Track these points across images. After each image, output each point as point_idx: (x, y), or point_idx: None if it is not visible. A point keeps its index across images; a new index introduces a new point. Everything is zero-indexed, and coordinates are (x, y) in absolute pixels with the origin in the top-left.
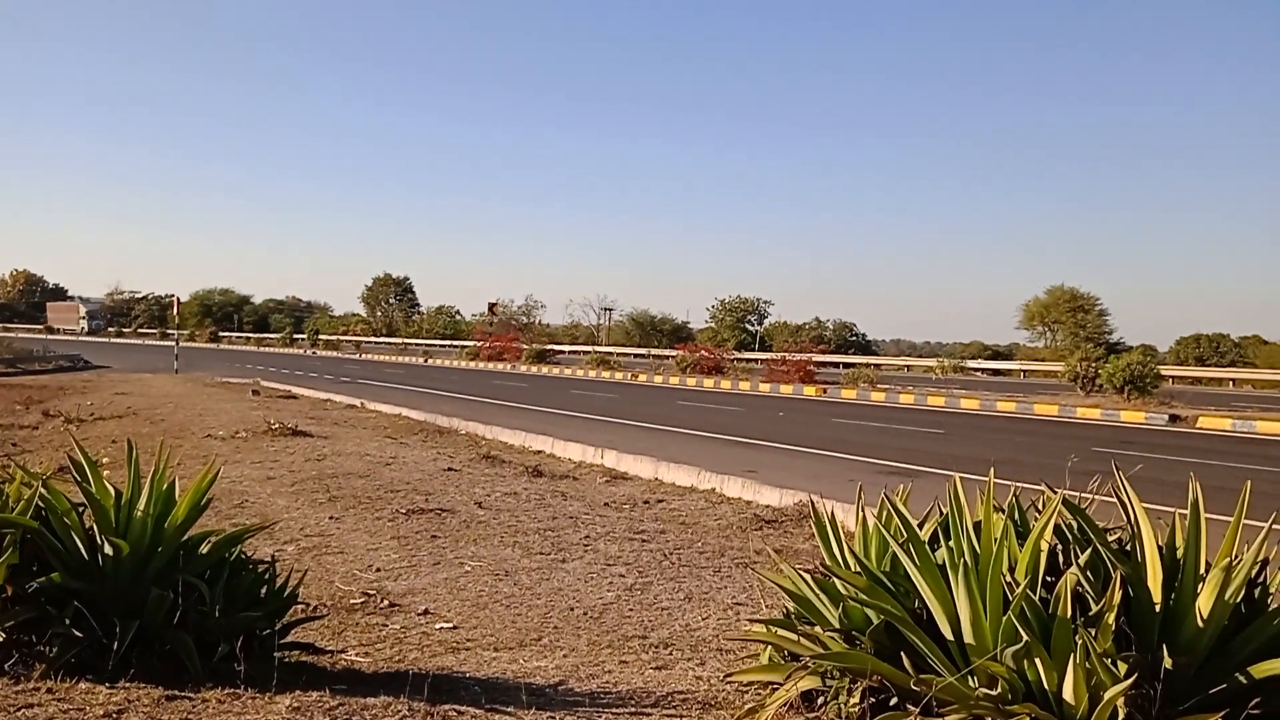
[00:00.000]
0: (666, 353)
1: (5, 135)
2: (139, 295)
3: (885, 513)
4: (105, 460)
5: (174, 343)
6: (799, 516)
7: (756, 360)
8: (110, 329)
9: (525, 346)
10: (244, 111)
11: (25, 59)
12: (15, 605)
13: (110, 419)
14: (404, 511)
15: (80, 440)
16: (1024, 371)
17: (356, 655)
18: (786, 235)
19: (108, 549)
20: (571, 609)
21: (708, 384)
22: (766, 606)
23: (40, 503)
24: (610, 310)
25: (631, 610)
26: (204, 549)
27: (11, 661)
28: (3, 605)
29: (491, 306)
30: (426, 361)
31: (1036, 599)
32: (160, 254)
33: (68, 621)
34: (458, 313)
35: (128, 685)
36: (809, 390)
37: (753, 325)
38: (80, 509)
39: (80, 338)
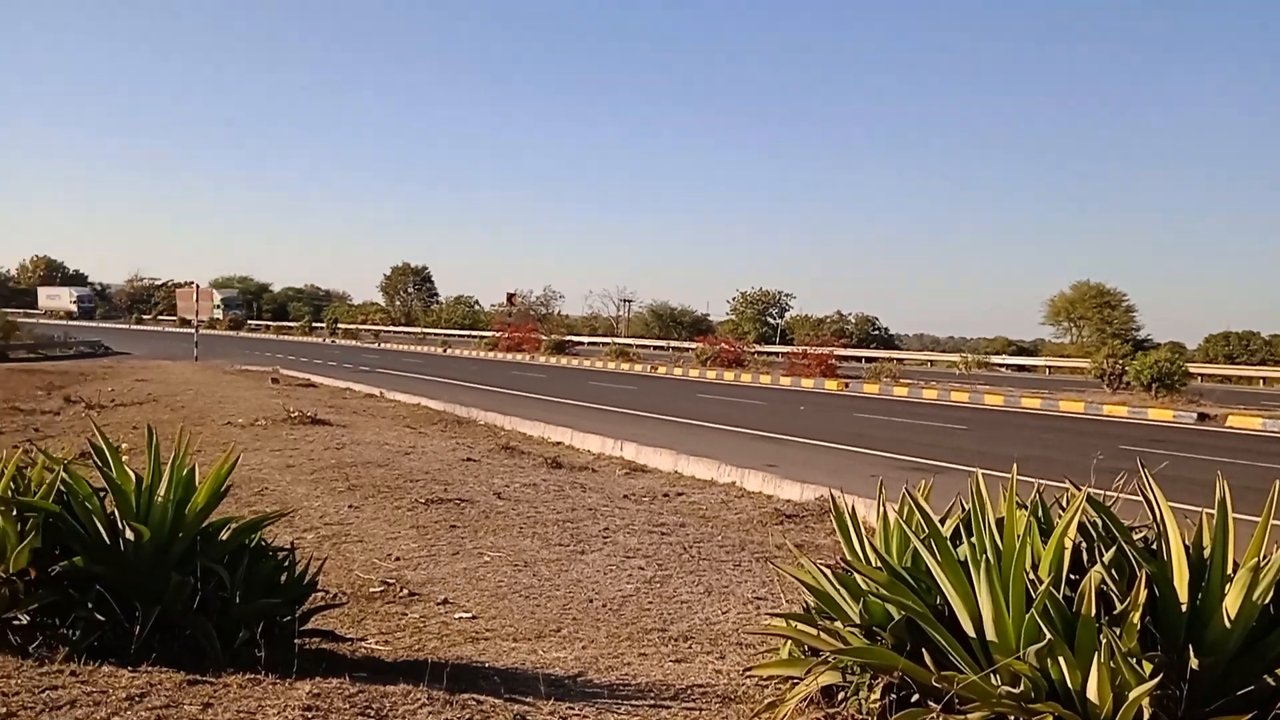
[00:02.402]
0: (686, 345)
1: (27, 121)
2: (159, 282)
3: (907, 508)
4: (125, 446)
5: (194, 330)
6: (820, 511)
7: (778, 354)
8: (99, 313)
9: (544, 337)
10: (265, 99)
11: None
12: (39, 589)
13: (131, 405)
14: (423, 501)
15: (101, 426)
16: (1049, 368)
17: (376, 643)
18: (809, 227)
19: (129, 534)
20: (590, 601)
21: (728, 377)
22: (786, 601)
23: (62, 487)
24: (630, 302)
25: (651, 603)
26: (224, 535)
27: (36, 644)
28: (27, 588)
29: (510, 297)
30: (445, 351)
31: (1060, 597)
32: (180, 241)
33: (90, 605)
34: (476, 303)
35: (149, 669)
36: (830, 384)
37: (774, 318)
38: (102, 494)
39: (77, 321)
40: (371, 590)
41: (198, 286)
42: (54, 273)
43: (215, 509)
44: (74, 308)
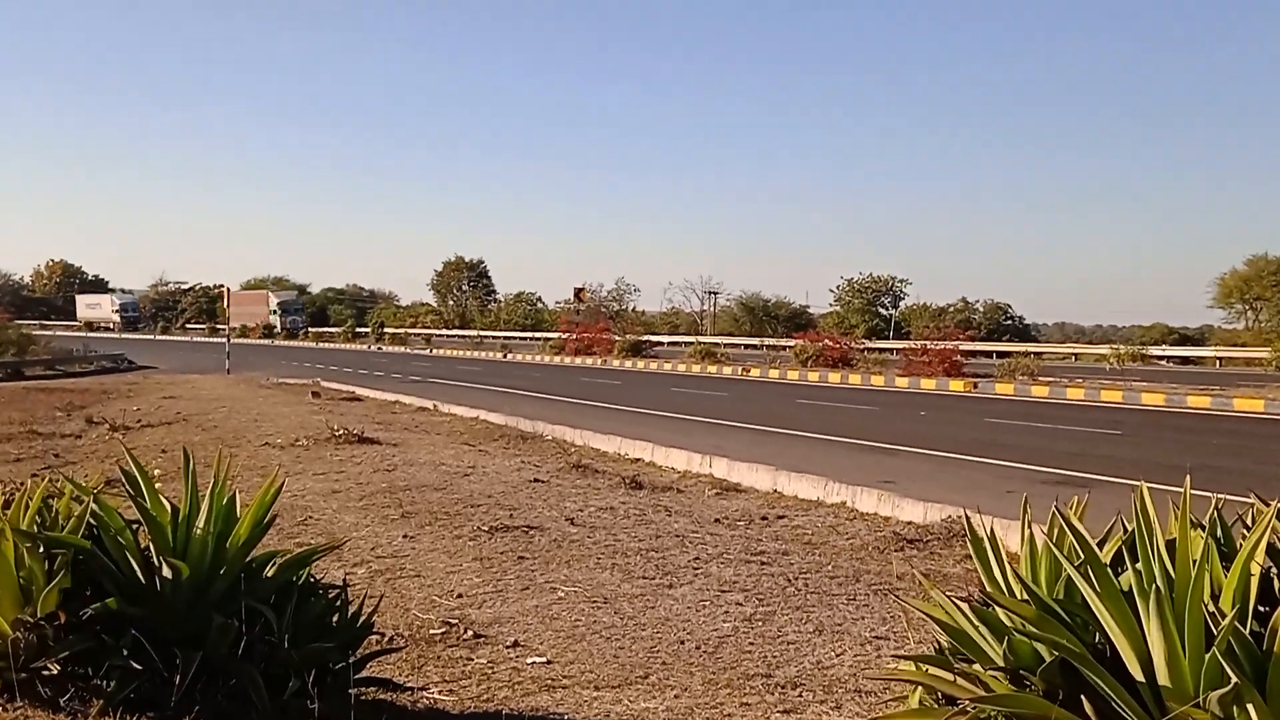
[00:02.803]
0: (783, 342)
1: (37, 120)
2: (185, 286)
3: (1056, 529)
4: (156, 472)
5: (225, 339)
6: (947, 535)
7: (891, 350)
8: (151, 324)
9: (617, 338)
10: (289, 76)
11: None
12: (69, 634)
13: (158, 426)
14: (486, 529)
15: (129, 449)
16: (1219, 359)
17: (440, 693)
18: (925, 203)
19: (166, 571)
20: (682, 642)
21: (833, 379)
22: (913, 641)
23: (92, 520)
24: (716, 294)
25: (752, 644)
26: (269, 572)
27: (67, 696)
28: (56, 634)
29: (578, 292)
30: (505, 356)
31: (1247, 633)
32: (207, 240)
33: (125, 652)
34: (539, 300)
35: None
36: (955, 385)
37: (886, 308)
38: (135, 526)
39: (117, 334)
40: (432, 632)
41: (260, 288)
42: (71, 278)
43: (259, 542)
44: (116, 317)
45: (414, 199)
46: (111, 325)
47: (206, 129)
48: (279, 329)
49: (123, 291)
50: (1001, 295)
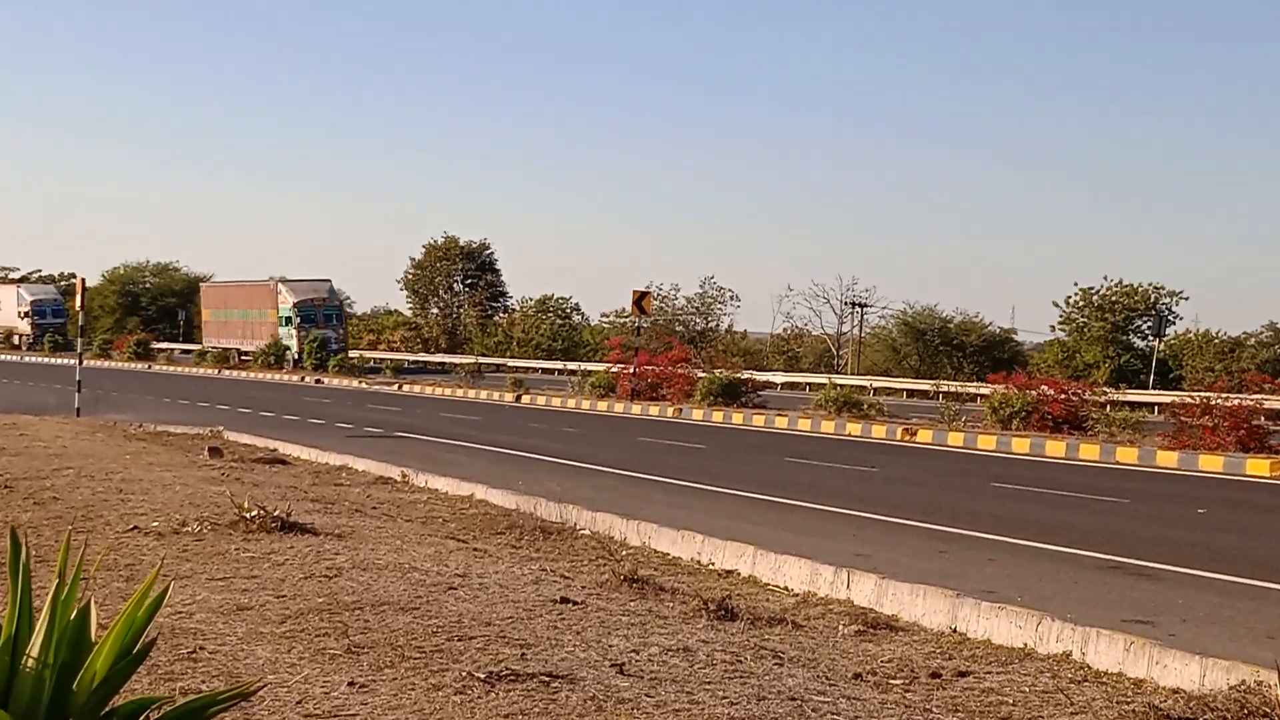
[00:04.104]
0: (971, 388)
1: None
2: (13, 275)
3: None
4: None
5: (75, 359)
6: (1239, 712)
7: (1151, 406)
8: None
9: (701, 374)
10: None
11: None
12: None
13: None
14: (482, 677)
15: None
16: None
17: None
18: (1202, 188)
19: None
20: None
21: (1053, 449)
22: None
23: None
24: (864, 306)
25: None
26: None
27: None
28: None
29: (640, 300)
30: (520, 399)
31: None
32: (57, 215)
33: None
34: (575, 310)
35: None
36: (1255, 464)
37: (1145, 338)
38: None
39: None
40: None
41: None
42: None
43: (124, 684)
44: (27, 325)
45: (378, 157)
46: (17, 338)
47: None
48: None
49: (36, 282)
50: None
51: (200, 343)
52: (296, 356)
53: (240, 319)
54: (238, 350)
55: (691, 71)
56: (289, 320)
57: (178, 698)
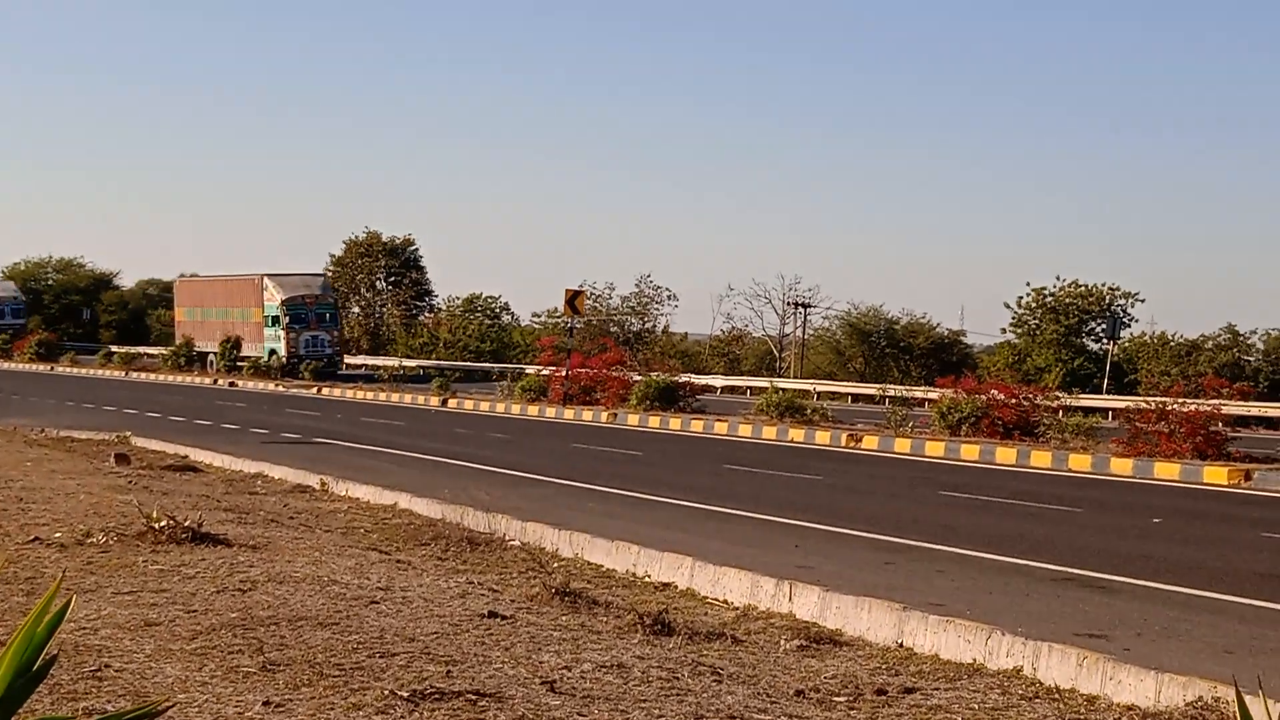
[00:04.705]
0: (917, 392)
1: None
2: None
3: None
4: None
5: None
6: None
7: (1105, 411)
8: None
9: (638, 376)
10: None
11: None
12: None
13: None
14: (406, 695)
15: None
16: None
17: None
18: (1161, 179)
19: None
20: None
21: (1003, 456)
22: None
23: None
24: (807, 306)
25: None
26: None
27: None
28: None
29: (573, 299)
30: (446, 403)
31: None
32: None
33: None
34: (504, 309)
35: None
36: (1212, 472)
37: (1099, 340)
38: None
39: None
40: None
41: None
42: None
43: (22, 704)
44: None
45: (298, 149)
46: None
47: None
48: None
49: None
50: None
51: (170, 343)
52: (285, 362)
53: (219, 319)
54: (215, 355)
55: (625, 63)
56: (275, 320)
57: (80, 718)
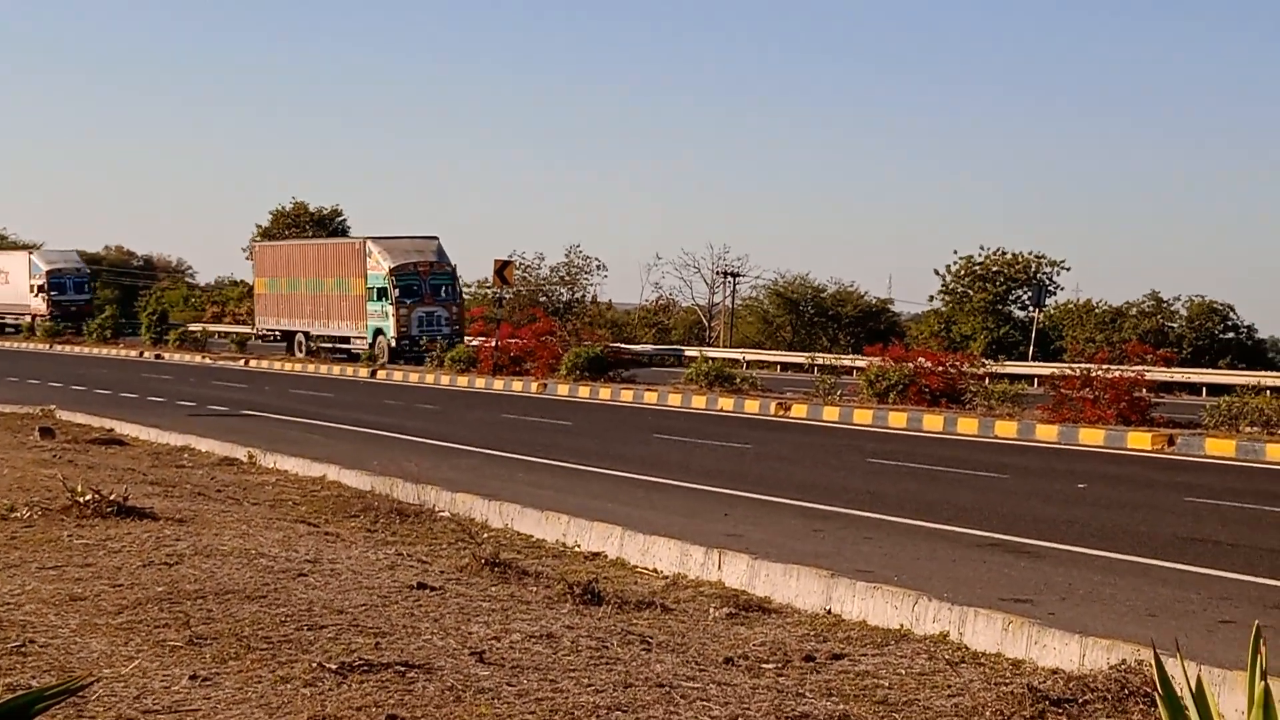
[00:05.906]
0: (845, 360)
1: None
2: None
3: None
4: None
5: None
6: (1119, 691)
7: (1031, 378)
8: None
9: (568, 345)
10: None
11: None
12: None
13: None
14: (334, 668)
15: None
16: None
17: None
18: (1086, 149)
19: None
20: None
21: (930, 423)
22: None
23: None
24: (736, 276)
25: None
26: None
27: None
28: None
29: (502, 269)
30: (376, 375)
31: None
32: None
33: None
34: None
35: None
36: (1137, 438)
37: (1025, 308)
38: None
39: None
40: None
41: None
42: None
43: None
44: (41, 300)
45: (218, 118)
46: (24, 320)
47: None
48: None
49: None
50: (1218, 292)
51: (250, 324)
52: (394, 345)
53: (311, 292)
54: (304, 335)
55: (559, 29)
56: (382, 294)
57: (4, 694)
